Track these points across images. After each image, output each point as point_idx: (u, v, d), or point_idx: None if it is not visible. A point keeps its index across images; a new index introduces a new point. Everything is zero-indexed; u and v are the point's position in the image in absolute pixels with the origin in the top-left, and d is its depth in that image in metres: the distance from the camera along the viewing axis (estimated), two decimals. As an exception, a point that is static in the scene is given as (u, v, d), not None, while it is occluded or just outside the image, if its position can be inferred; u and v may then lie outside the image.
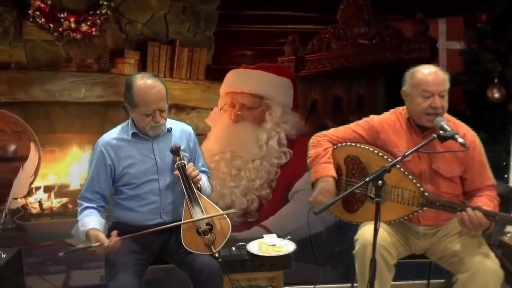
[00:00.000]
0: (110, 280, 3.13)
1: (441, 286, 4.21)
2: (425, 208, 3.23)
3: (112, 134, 3.41)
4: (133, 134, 3.36)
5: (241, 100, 5.01)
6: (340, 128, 3.53)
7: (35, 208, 4.85)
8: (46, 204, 4.87)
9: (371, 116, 3.50)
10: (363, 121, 3.50)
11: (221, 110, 5.02)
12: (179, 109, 4.98)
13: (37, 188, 4.87)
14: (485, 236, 3.29)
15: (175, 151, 3.38)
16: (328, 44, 5.11)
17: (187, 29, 4.98)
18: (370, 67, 5.11)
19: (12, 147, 4.82)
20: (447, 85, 3.22)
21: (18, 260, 3.90)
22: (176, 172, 3.31)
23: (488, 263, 3.09)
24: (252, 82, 5.03)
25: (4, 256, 3.70)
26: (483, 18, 4.86)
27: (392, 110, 3.48)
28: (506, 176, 4.70)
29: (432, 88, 3.16)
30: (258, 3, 4.94)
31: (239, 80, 5.03)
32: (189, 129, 3.60)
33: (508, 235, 4.00)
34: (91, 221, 3.24)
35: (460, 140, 2.96)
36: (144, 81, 3.21)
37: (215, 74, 5.02)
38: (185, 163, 3.35)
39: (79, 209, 3.35)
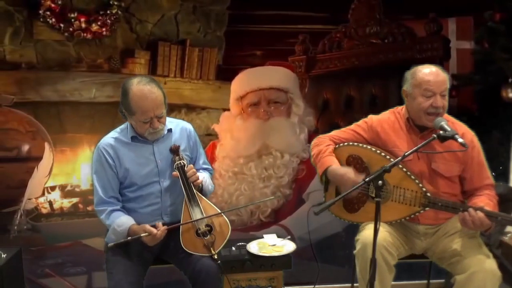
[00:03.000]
0: (111, 280, 3.13)
1: (441, 286, 4.20)
2: (427, 209, 3.21)
3: (112, 136, 3.38)
4: (133, 138, 3.33)
5: (269, 96, 4.97)
6: (341, 129, 3.53)
7: (45, 208, 4.86)
8: (56, 204, 4.88)
9: (370, 116, 3.49)
10: (362, 122, 3.49)
11: (244, 114, 4.99)
12: (189, 109, 4.99)
13: (48, 188, 4.88)
14: (484, 236, 3.28)
15: (175, 151, 3.34)
16: (339, 43, 5.08)
17: (198, 29, 4.98)
18: (382, 67, 5.07)
19: (26, 147, 4.83)
20: (448, 85, 3.22)
21: (18, 260, 3.88)
22: (175, 172, 3.28)
23: (486, 264, 3.09)
24: (276, 76, 5.00)
25: (4, 256, 3.68)
26: (496, 18, 4.81)
27: (390, 110, 3.48)
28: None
29: (434, 87, 3.17)
30: (268, 3, 4.92)
31: (263, 77, 4.99)
32: (189, 127, 3.55)
33: (508, 235, 3.99)
34: (127, 219, 3.27)
35: (460, 140, 2.95)
36: (141, 88, 3.14)
37: (226, 74, 5.01)
38: (185, 163, 3.32)
39: (103, 215, 3.31)
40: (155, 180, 3.36)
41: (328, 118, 5.18)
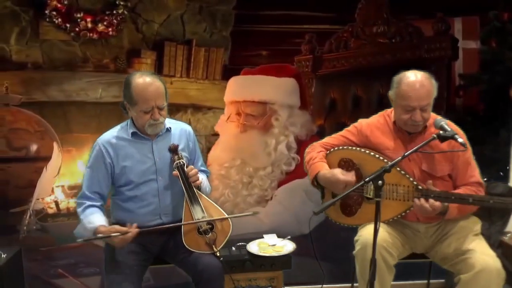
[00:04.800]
0: (109, 280, 3.13)
1: (441, 286, 4.18)
2: None
3: (112, 133, 3.38)
4: (133, 134, 3.34)
5: (245, 110, 4.92)
6: (332, 136, 3.55)
7: (51, 208, 4.87)
8: (62, 205, 4.89)
9: (360, 120, 3.49)
10: (352, 127, 3.50)
11: (228, 121, 4.97)
12: (195, 109, 4.99)
13: (55, 188, 4.90)
14: (484, 236, 3.26)
15: (173, 150, 3.34)
16: (346, 43, 5.07)
17: (204, 29, 4.99)
18: (390, 66, 5.02)
19: (34, 147, 4.84)
20: (431, 98, 3.18)
21: (18, 260, 3.87)
22: (175, 171, 3.28)
23: (491, 263, 3.07)
24: (253, 88, 4.93)
25: (4, 256, 3.68)
26: (504, 17, 4.78)
27: (380, 113, 3.48)
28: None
29: (414, 103, 3.14)
30: (274, 3, 4.92)
31: (240, 88, 4.97)
32: (188, 128, 3.56)
33: (508, 235, 3.95)
34: (98, 218, 3.23)
35: (460, 140, 2.96)
36: (143, 79, 3.19)
37: (232, 74, 5.00)
38: (184, 162, 3.32)
39: (80, 208, 3.31)
40: (152, 178, 3.35)
41: (335, 117, 5.17)
